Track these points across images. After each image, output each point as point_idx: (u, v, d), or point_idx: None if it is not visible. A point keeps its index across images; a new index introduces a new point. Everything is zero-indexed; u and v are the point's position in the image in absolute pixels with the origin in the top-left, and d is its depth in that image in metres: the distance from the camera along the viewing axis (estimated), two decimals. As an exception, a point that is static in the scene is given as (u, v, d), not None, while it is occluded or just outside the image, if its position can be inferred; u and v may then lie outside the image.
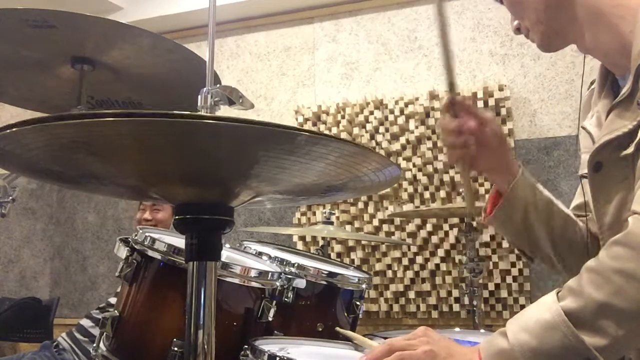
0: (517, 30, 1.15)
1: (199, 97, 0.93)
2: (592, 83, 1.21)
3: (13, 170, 1.21)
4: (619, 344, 0.82)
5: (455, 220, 2.97)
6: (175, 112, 0.60)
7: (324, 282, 1.54)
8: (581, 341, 0.81)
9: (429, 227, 3.03)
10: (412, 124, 3.13)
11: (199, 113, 0.89)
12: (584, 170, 1.16)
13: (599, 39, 1.04)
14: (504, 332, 0.89)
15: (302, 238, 3.22)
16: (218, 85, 0.93)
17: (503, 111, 3.02)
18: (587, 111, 1.18)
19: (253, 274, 1.34)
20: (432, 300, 3.00)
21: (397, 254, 3.07)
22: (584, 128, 1.15)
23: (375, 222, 3.13)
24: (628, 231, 0.84)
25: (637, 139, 0.93)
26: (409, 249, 3.06)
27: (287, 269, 1.48)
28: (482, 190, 2.98)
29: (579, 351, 0.81)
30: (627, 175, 0.96)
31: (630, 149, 0.94)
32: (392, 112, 3.19)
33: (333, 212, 2.40)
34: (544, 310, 0.86)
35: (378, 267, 3.07)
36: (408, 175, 3.10)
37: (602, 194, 1.03)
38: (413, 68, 3.31)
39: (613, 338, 0.81)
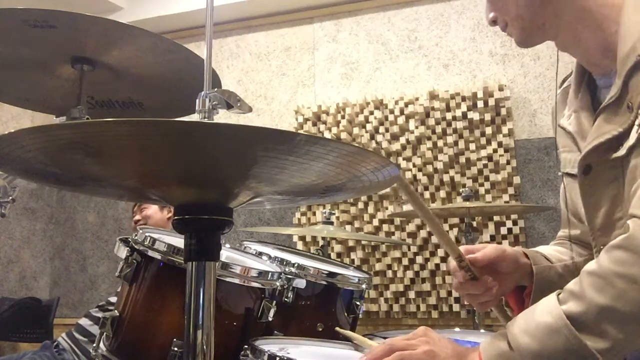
0: (493, 23, 1.12)
1: (197, 100, 0.93)
2: (563, 81, 1.21)
3: (11, 173, 1.21)
4: (621, 347, 0.82)
5: (455, 220, 2.97)
6: (173, 120, 0.60)
7: (324, 282, 1.54)
8: (584, 345, 0.81)
9: (429, 227, 3.02)
10: (412, 124, 3.13)
11: (197, 120, 0.89)
12: (565, 169, 1.16)
13: (581, 37, 1.04)
14: (505, 334, 0.89)
15: (302, 238, 3.22)
16: (216, 89, 0.93)
17: (503, 111, 3.02)
18: (562, 109, 1.18)
19: (253, 274, 1.34)
20: (432, 300, 3.00)
21: (397, 254, 3.07)
22: (561, 127, 1.14)
23: (375, 222, 3.13)
24: (629, 235, 0.84)
25: (631, 142, 0.93)
26: (409, 249, 3.06)
27: (287, 269, 1.47)
28: (481, 190, 2.98)
29: (581, 354, 0.81)
30: (616, 177, 0.96)
31: (622, 152, 0.94)
32: (392, 112, 3.19)
33: (333, 212, 2.41)
34: (546, 313, 0.86)
35: (378, 267, 3.07)
36: (408, 175, 3.10)
37: (592, 196, 1.03)
38: (413, 68, 3.31)
39: (615, 341, 0.81)
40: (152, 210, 2.57)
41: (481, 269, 1.14)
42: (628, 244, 0.83)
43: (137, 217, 2.57)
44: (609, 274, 0.83)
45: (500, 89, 3.02)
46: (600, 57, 1.02)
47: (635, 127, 0.92)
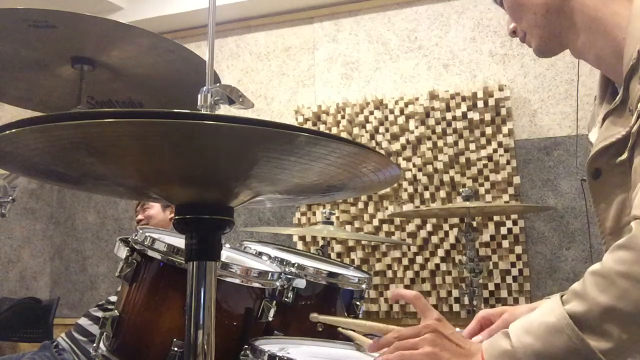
0: (513, 33, 1.16)
1: (199, 95, 0.92)
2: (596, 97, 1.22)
3: (13, 171, 1.21)
4: (624, 347, 0.82)
5: (455, 220, 2.97)
6: (175, 110, 0.60)
7: (324, 282, 1.54)
8: (586, 345, 0.81)
9: (429, 227, 3.03)
10: (412, 124, 3.13)
11: (199, 112, 0.89)
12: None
13: (595, 45, 1.06)
14: (507, 334, 0.89)
15: (302, 238, 3.22)
16: (218, 84, 0.93)
17: (503, 111, 3.02)
18: (594, 121, 1.19)
19: (253, 274, 1.34)
20: (432, 300, 2.99)
21: (397, 254, 3.07)
22: (588, 139, 1.16)
23: (375, 222, 3.13)
24: (632, 235, 0.84)
25: (630, 144, 0.93)
26: (409, 249, 3.06)
27: (287, 269, 1.47)
28: (481, 190, 2.98)
29: (583, 354, 0.81)
30: (625, 180, 0.97)
31: (625, 155, 0.95)
32: (392, 112, 3.19)
33: (333, 212, 2.41)
34: (548, 313, 0.86)
35: (378, 267, 3.08)
36: (408, 175, 3.10)
37: (602, 199, 1.04)
38: (413, 68, 3.31)
39: (617, 341, 0.81)
40: (155, 210, 2.56)
41: None
42: (631, 244, 0.83)
43: (140, 216, 2.57)
44: (612, 274, 0.82)
45: (500, 89, 3.02)
46: (614, 64, 1.03)
47: (635, 130, 0.93)
